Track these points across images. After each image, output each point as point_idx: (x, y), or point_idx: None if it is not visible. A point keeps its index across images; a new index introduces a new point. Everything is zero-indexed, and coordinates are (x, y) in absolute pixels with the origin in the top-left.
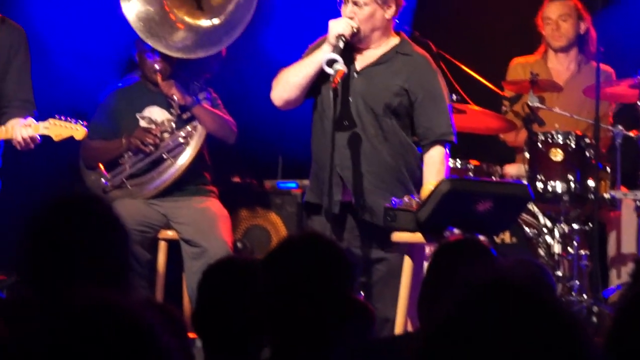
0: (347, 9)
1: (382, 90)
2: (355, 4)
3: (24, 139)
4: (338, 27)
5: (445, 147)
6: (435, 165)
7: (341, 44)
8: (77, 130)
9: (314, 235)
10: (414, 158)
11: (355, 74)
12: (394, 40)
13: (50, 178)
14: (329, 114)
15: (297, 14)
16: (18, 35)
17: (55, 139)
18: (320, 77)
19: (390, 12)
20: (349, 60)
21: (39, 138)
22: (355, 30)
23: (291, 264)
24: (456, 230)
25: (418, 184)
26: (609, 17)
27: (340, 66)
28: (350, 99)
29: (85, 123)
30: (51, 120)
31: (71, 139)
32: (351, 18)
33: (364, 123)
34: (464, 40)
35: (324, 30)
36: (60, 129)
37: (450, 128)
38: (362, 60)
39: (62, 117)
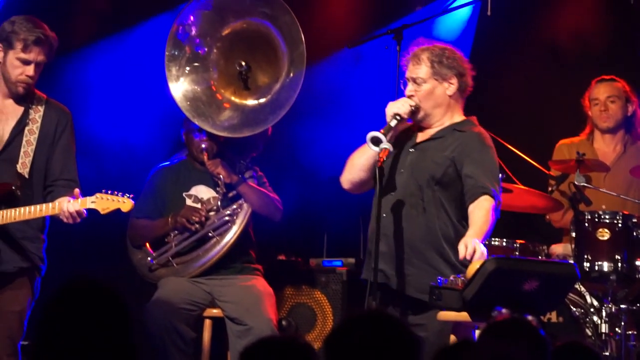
0: (407, 88)
1: (429, 163)
2: (415, 81)
3: (70, 213)
4: (394, 106)
5: (490, 199)
6: (475, 216)
7: (393, 123)
8: (124, 203)
9: (378, 313)
10: (456, 231)
11: (411, 149)
12: (459, 118)
13: (96, 257)
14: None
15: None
16: (63, 116)
17: (102, 212)
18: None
19: (452, 89)
20: (408, 138)
21: (85, 212)
22: (413, 108)
23: (356, 342)
24: (504, 310)
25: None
26: None
27: (385, 145)
28: (402, 170)
29: (131, 196)
30: (98, 195)
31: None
32: (411, 96)
33: (406, 194)
34: (510, 121)
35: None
36: (106, 202)
37: (496, 187)
38: (421, 137)
39: (109, 192)
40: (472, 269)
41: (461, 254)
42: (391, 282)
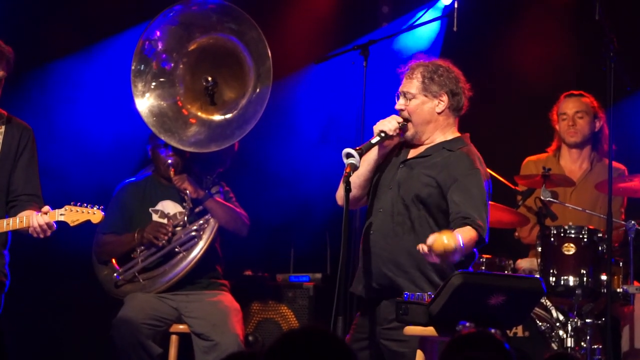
0: (398, 102)
1: (415, 181)
2: (405, 95)
3: (40, 226)
4: (382, 123)
5: (472, 230)
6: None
7: (374, 140)
8: (94, 215)
9: (314, 330)
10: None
11: (401, 165)
12: (451, 134)
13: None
14: (371, 203)
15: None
16: (25, 132)
17: (72, 224)
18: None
19: (441, 107)
20: (399, 154)
21: (55, 225)
22: (401, 125)
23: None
24: (469, 324)
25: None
26: (620, 114)
27: (352, 160)
28: (392, 187)
29: (101, 207)
30: (67, 207)
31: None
32: (401, 111)
33: (394, 212)
34: (477, 136)
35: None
36: (76, 214)
37: (483, 221)
38: (412, 153)
39: (78, 204)
40: (439, 242)
41: (429, 241)
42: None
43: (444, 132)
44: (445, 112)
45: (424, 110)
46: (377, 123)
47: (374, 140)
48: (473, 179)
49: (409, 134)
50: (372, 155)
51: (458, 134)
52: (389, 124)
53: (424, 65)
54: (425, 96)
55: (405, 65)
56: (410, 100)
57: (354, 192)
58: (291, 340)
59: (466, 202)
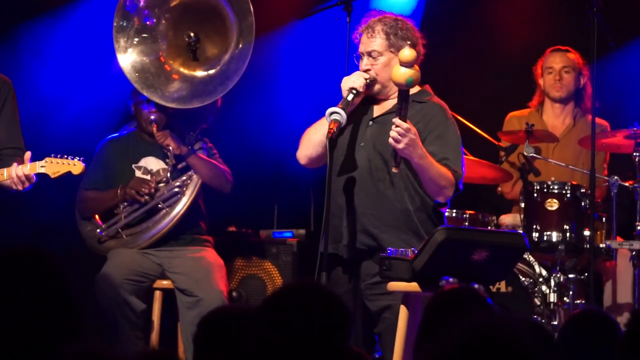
0: (362, 62)
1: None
2: (370, 55)
3: (19, 177)
4: (349, 81)
5: (449, 172)
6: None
7: (350, 97)
8: (75, 166)
9: (310, 284)
10: (424, 205)
11: (370, 122)
12: (414, 90)
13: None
14: (341, 161)
15: (294, 66)
16: (4, 86)
17: (53, 176)
18: (340, 133)
19: None
20: (365, 111)
21: (34, 177)
22: (368, 82)
23: (286, 312)
24: (452, 280)
25: (429, 233)
26: (603, 70)
27: (337, 116)
28: (363, 144)
29: (82, 158)
30: (47, 159)
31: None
32: (367, 70)
33: (372, 168)
34: (460, 92)
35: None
36: (57, 165)
37: (459, 168)
38: (379, 110)
39: (58, 155)
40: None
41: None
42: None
43: None
44: None
45: (392, 66)
46: (344, 81)
47: (350, 98)
48: (448, 129)
49: (375, 90)
50: None
51: (419, 87)
52: (358, 81)
53: (382, 21)
54: (391, 52)
55: (359, 25)
56: (376, 58)
57: (318, 150)
58: (287, 295)
59: (443, 150)
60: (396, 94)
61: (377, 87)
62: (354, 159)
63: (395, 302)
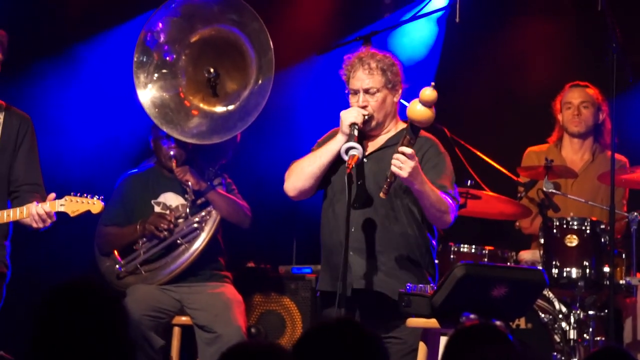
0: (359, 98)
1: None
2: (367, 92)
3: (39, 215)
4: (350, 116)
5: (446, 196)
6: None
7: (355, 132)
8: (94, 205)
9: (349, 321)
10: (425, 240)
11: (365, 159)
12: (402, 125)
13: (62, 266)
14: (339, 198)
15: (313, 101)
16: (24, 122)
17: (72, 214)
18: (330, 168)
19: (397, 96)
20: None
21: (54, 215)
22: (366, 118)
23: (326, 350)
24: (472, 316)
25: (429, 266)
26: (623, 106)
27: (355, 151)
28: (360, 182)
29: (101, 197)
30: (67, 197)
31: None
32: (364, 106)
33: (375, 204)
34: (479, 128)
35: (333, 124)
36: (76, 204)
37: (456, 194)
38: (372, 146)
39: (78, 194)
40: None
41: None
42: (368, 294)
43: (396, 122)
44: (398, 101)
45: (387, 104)
46: (344, 116)
47: (355, 132)
48: (443, 161)
49: (371, 126)
50: (337, 148)
51: (405, 123)
52: (358, 117)
53: (376, 58)
54: (387, 89)
55: (349, 58)
56: (373, 95)
57: (310, 182)
58: (324, 331)
59: (439, 179)
60: (387, 129)
61: (372, 123)
62: (351, 194)
63: (403, 335)
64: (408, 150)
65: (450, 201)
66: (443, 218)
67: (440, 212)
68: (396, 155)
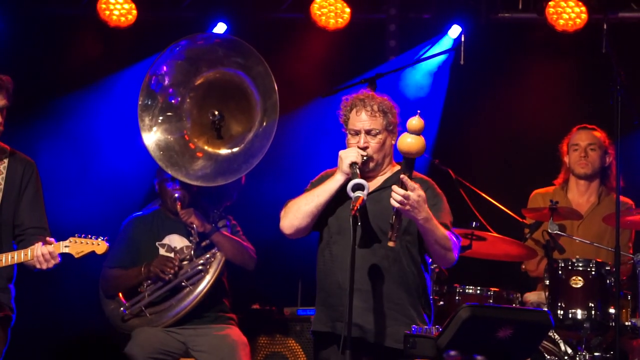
0: (360, 139)
1: (391, 212)
2: (369, 133)
3: (44, 255)
4: (350, 156)
5: (452, 236)
6: None
7: (357, 171)
8: (99, 245)
9: None
10: (423, 280)
11: (365, 202)
12: (397, 167)
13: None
14: (336, 239)
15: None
16: (28, 167)
17: (77, 256)
18: (326, 208)
19: (394, 140)
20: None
21: (59, 257)
22: (365, 158)
23: None
24: (480, 358)
25: (426, 306)
26: (629, 148)
27: (362, 193)
28: (360, 223)
29: (106, 238)
30: (71, 239)
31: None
32: (365, 148)
33: (374, 246)
34: (484, 170)
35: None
36: (80, 245)
37: (456, 237)
38: (369, 187)
39: (82, 235)
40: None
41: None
42: (368, 336)
43: (392, 163)
44: (393, 143)
45: (386, 146)
46: (343, 155)
47: (357, 171)
48: (441, 200)
49: (370, 167)
50: (335, 187)
51: (395, 163)
52: (358, 157)
53: (376, 100)
54: (387, 132)
55: (347, 100)
56: (375, 137)
57: (307, 221)
58: None
59: (440, 217)
60: (384, 171)
61: (371, 164)
62: (349, 235)
63: None
64: (409, 183)
65: (455, 239)
66: (447, 256)
67: (444, 250)
68: (394, 188)
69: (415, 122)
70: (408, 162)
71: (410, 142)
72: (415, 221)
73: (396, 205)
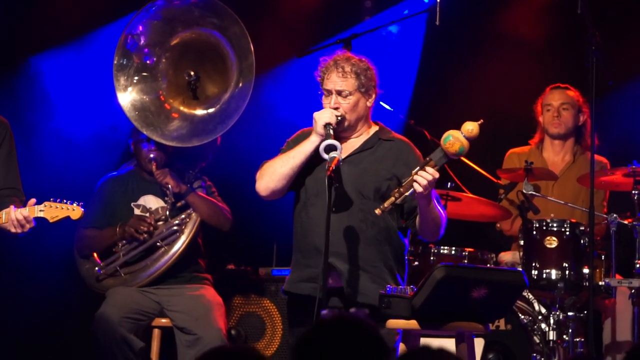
0: (331, 100)
1: (372, 176)
2: (340, 94)
3: (18, 220)
4: (324, 117)
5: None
6: None
7: (331, 132)
8: (74, 211)
9: (349, 318)
10: (400, 245)
11: (340, 162)
12: (374, 127)
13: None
14: (314, 202)
15: (293, 104)
16: (2, 127)
17: (51, 220)
18: (303, 169)
19: (371, 101)
20: None
21: (33, 221)
22: (339, 119)
23: (328, 348)
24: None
25: (400, 266)
26: (603, 108)
27: (336, 153)
28: (337, 184)
29: (81, 203)
30: (46, 203)
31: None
32: (336, 108)
33: (352, 208)
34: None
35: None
36: (55, 210)
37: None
38: (346, 149)
39: (57, 200)
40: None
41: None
42: (342, 298)
43: (368, 125)
44: (371, 106)
45: (359, 107)
46: (317, 116)
47: (331, 132)
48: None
49: (343, 127)
50: (310, 148)
51: (376, 125)
52: (332, 117)
53: (351, 62)
54: (360, 93)
55: (325, 60)
56: (346, 97)
57: (283, 183)
58: (325, 329)
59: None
60: (359, 132)
61: (344, 125)
62: (325, 197)
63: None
64: (436, 174)
65: (444, 214)
66: (437, 232)
67: (436, 227)
68: (423, 174)
69: (470, 127)
70: (442, 157)
71: (459, 145)
72: (419, 200)
73: (419, 189)
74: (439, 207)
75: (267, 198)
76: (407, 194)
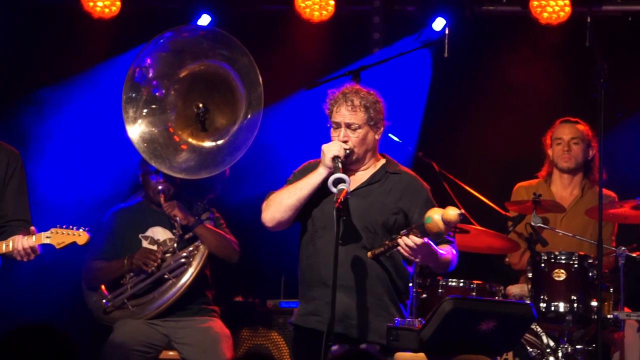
0: (340, 133)
1: (379, 209)
2: (349, 127)
3: (24, 249)
4: (333, 149)
5: (449, 246)
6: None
7: (339, 165)
8: (80, 236)
9: (360, 354)
10: (405, 274)
11: (348, 195)
12: (382, 160)
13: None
14: (321, 234)
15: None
16: (13, 157)
17: (58, 247)
18: (310, 201)
19: (379, 134)
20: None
21: (39, 249)
22: (347, 152)
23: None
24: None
25: (406, 298)
26: (612, 142)
27: (345, 186)
28: (344, 217)
29: (87, 229)
30: (53, 229)
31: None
32: (345, 141)
33: (358, 242)
34: (468, 162)
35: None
36: (62, 236)
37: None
38: (353, 181)
39: (64, 226)
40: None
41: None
42: (350, 332)
43: (376, 158)
44: (378, 138)
45: (368, 140)
46: (326, 149)
47: (339, 165)
48: (430, 201)
49: (351, 160)
50: (318, 180)
51: (383, 158)
52: (341, 150)
53: (360, 95)
54: (369, 126)
55: (333, 93)
56: (355, 131)
57: (289, 214)
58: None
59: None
60: (367, 165)
61: (353, 157)
62: (332, 230)
63: None
64: (419, 242)
65: (454, 252)
66: (445, 269)
67: (443, 268)
68: (407, 241)
69: (452, 213)
70: (424, 232)
71: (430, 223)
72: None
73: (404, 253)
74: (441, 251)
75: (272, 229)
76: (394, 250)
